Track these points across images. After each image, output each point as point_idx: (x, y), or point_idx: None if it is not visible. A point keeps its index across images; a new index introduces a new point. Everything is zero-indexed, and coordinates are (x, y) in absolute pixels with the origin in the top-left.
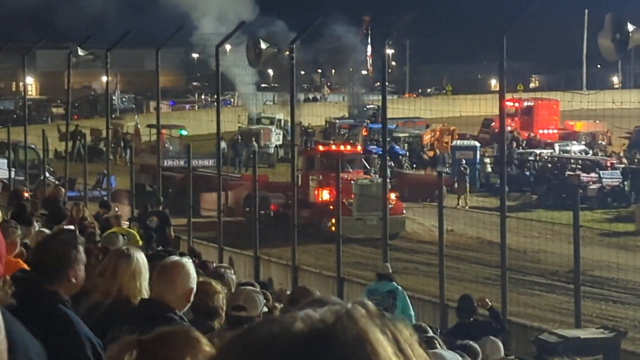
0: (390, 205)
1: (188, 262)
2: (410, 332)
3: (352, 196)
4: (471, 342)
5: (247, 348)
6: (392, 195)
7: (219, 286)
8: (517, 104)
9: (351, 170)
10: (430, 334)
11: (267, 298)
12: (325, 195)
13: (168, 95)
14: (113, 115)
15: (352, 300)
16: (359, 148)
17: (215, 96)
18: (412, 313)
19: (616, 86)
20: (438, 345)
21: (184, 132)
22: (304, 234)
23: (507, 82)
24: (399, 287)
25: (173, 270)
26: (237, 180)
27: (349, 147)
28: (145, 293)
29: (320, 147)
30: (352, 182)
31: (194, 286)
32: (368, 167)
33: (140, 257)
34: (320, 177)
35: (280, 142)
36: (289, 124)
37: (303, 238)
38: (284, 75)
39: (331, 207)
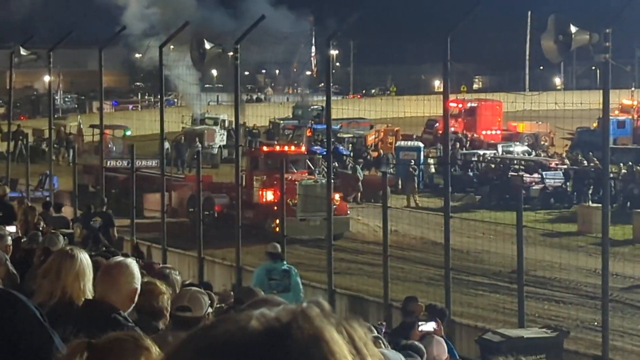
0: (334, 206)
1: (132, 263)
2: (365, 331)
3: (296, 197)
4: (416, 342)
5: (202, 347)
6: (337, 196)
7: (164, 287)
8: (460, 105)
9: (295, 170)
10: (376, 333)
11: (212, 299)
12: (269, 196)
13: (111, 95)
14: (56, 116)
15: (307, 300)
16: (303, 149)
17: (159, 96)
18: (302, 294)
19: (559, 87)
20: (383, 345)
21: (128, 133)
22: (248, 235)
23: (451, 83)
24: (292, 267)
25: (117, 271)
26: (181, 181)
27: (293, 148)
28: (89, 294)
29: (265, 148)
30: (296, 182)
31: (138, 286)
32: (312, 167)
33: (84, 258)
34: (264, 178)
35: (225, 143)
36: (233, 124)
37: (247, 239)
38: (228, 76)
39: (275, 207)
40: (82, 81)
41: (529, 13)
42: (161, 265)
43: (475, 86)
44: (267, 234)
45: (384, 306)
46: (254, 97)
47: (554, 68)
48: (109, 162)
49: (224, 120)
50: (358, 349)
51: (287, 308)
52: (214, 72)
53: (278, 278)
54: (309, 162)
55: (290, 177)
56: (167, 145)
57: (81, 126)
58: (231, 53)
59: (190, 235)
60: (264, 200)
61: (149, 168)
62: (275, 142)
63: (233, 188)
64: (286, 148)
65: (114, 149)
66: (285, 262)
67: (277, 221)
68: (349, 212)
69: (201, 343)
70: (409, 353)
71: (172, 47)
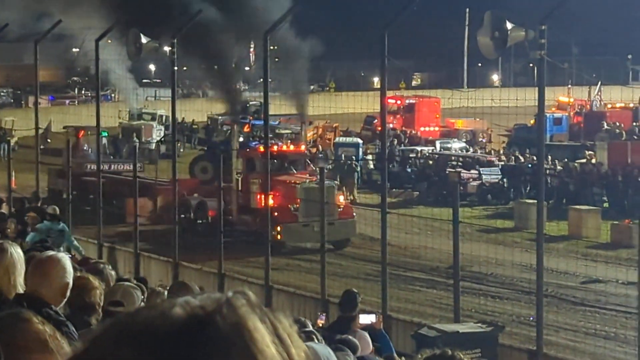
0: (339, 209)
1: (64, 257)
2: (290, 323)
3: (297, 200)
4: (349, 337)
5: (123, 333)
6: (341, 198)
7: (97, 281)
8: (399, 102)
9: (295, 172)
10: (309, 328)
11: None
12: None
13: (47, 89)
14: None
15: (232, 290)
16: (302, 147)
17: (95, 92)
18: (81, 248)
19: (496, 84)
20: (316, 339)
21: (105, 134)
22: (246, 243)
23: (390, 80)
24: (66, 227)
25: (48, 265)
26: (166, 185)
27: (292, 147)
28: (20, 288)
29: (261, 148)
30: (296, 185)
31: (70, 281)
32: (314, 168)
33: (15, 252)
34: (261, 181)
35: (162, 138)
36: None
37: (246, 249)
38: (165, 71)
39: (276, 213)
40: (17, 75)
41: (467, 10)
42: (95, 260)
43: (414, 83)
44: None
45: (321, 302)
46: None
47: (492, 65)
48: (88, 166)
49: (161, 116)
50: (281, 339)
51: (212, 297)
52: (152, 67)
53: (54, 236)
54: (309, 162)
55: (289, 179)
56: (104, 140)
57: (51, 125)
58: (168, 47)
59: (166, 240)
60: (263, 204)
61: (131, 172)
62: (272, 142)
63: (225, 191)
64: (285, 148)
65: (90, 151)
66: (61, 223)
67: (279, 228)
68: (354, 214)
69: (122, 329)
70: (340, 347)
71: (109, 41)
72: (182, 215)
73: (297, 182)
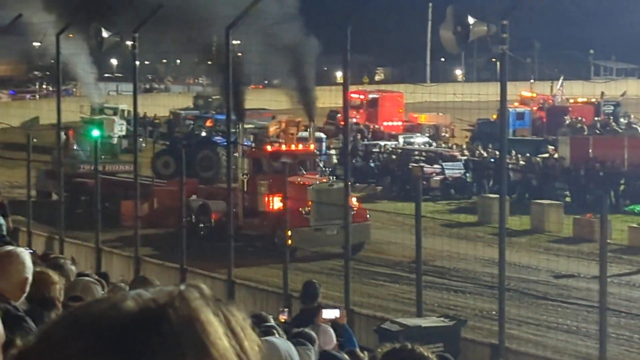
0: (353, 212)
1: (23, 252)
2: (244, 316)
3: (309, 203)
4: (307, 330)
5: (74, 326)
6: (354, 200)
7: (57, 276)
8: (362, 97)
9: (304, 172)
10: (271, 322)
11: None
12: (278, 203)
13: (8, 84)
14: None
15: (186, 283)
16: (312, 147)
17: (56, 86)
18: None
19: (459, 79)
20: (277, 334)
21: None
22: (254, 248)
23: (353, 75)
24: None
25: (7, 260)
26: (164, 187)
27: (300, 147)
28: None
29: (269, 148)
30: (307, 187)
31: (30, 276)
32: (323, 168)
33: None
34: (270, 182)
35: (124, 133)
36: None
37: (254, 254)
38: (127, 65)
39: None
40: None
41: (430, 5)
42: (55, 255)
43: (377, 77)
44: (277, 247)
45: (283, 296)
46: (155, 86)
47: (455, 60)
48: (82, 167)
49: (123, 110)
50: (234, 332)
51: (165, 290)
52: (114, 61)
53: None
54: (319, 163)
55: (300, 180)
56: (64, 135)
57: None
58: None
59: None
60: (272, 207)
61: (128, 172)
62: (280, 141)
63: (224, 193)
64: (293, 147)
65: (81, 151)
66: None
67: (289, 233)
68: (369, 216)
69: (74, 322)
70: (301, 341)
71: (70, 35)
72: (187, 218)
73: (308, 183)
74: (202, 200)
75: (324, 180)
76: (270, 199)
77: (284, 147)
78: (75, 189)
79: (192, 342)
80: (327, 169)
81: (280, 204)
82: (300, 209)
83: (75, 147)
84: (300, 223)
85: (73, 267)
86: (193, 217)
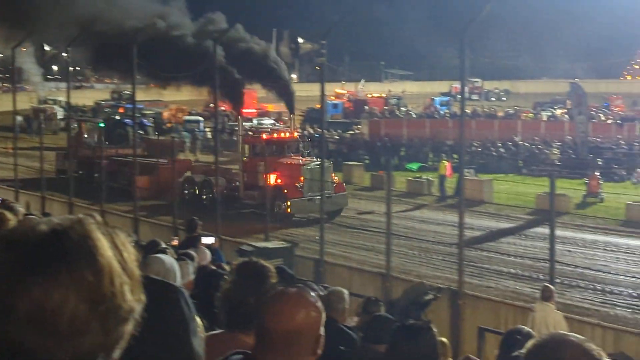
0: (334, 184)
1: None
2: (124, 236)
3: (302, 179)
4: (189, 251)
5: (2, 241)
6: (335, 176)
7: (11, 215)
8: None
9: (291, 155)
10: (163, 245)
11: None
12: (274, 179)
13: None
14: None
15: (84, 213)
16: (296, 134)
17: (12, 85)
18: None
19: (295, 81)
20: (168, 254)
21: (102, 125)
22: (254, 216)
23: None
24: None
25: None
26: (166, 165)
27: (287, 134)
28: None
29: (264, 136)
30: (301, 166)
31: None
32: (305, 151)
33: None
34: (265, 162)
35: (62, 117)
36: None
37: (255, 220)
38: (63, 69)
39: (285, 190)
40: None
41: (274, 30)
42: (10, 200)
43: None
44: (275, 214)
45: (173, 229)
46: (84, 84)
47: (291, 67)
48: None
49: (61, 101)
50: (117, 246)
51: (69, 217)
52: (54, 67)
53: None
54: (300, 147)
55: (293, 161)
56: (19, 118)
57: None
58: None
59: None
60: (270, 182)
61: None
62: (270, 129)
63: (231, 172)
64: (282, 135)
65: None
66: None
67: (289, 203)
68: (345, 189)
69: (2, 239)
70: (182, 258)
71: (23, 49)
72: (187, 191)
73: (302, 163)
74: (205, 177)
75: (307, 160)
76: (268, 175)
77: (275, 135)
78: (90, 168)
79: (86, 251)
80: (306, 152)
81: (279, 180)
82: (296, 183)
83: (85, 136)
84: (297, 195)
85: (22, 209)
86: (196, 190)
